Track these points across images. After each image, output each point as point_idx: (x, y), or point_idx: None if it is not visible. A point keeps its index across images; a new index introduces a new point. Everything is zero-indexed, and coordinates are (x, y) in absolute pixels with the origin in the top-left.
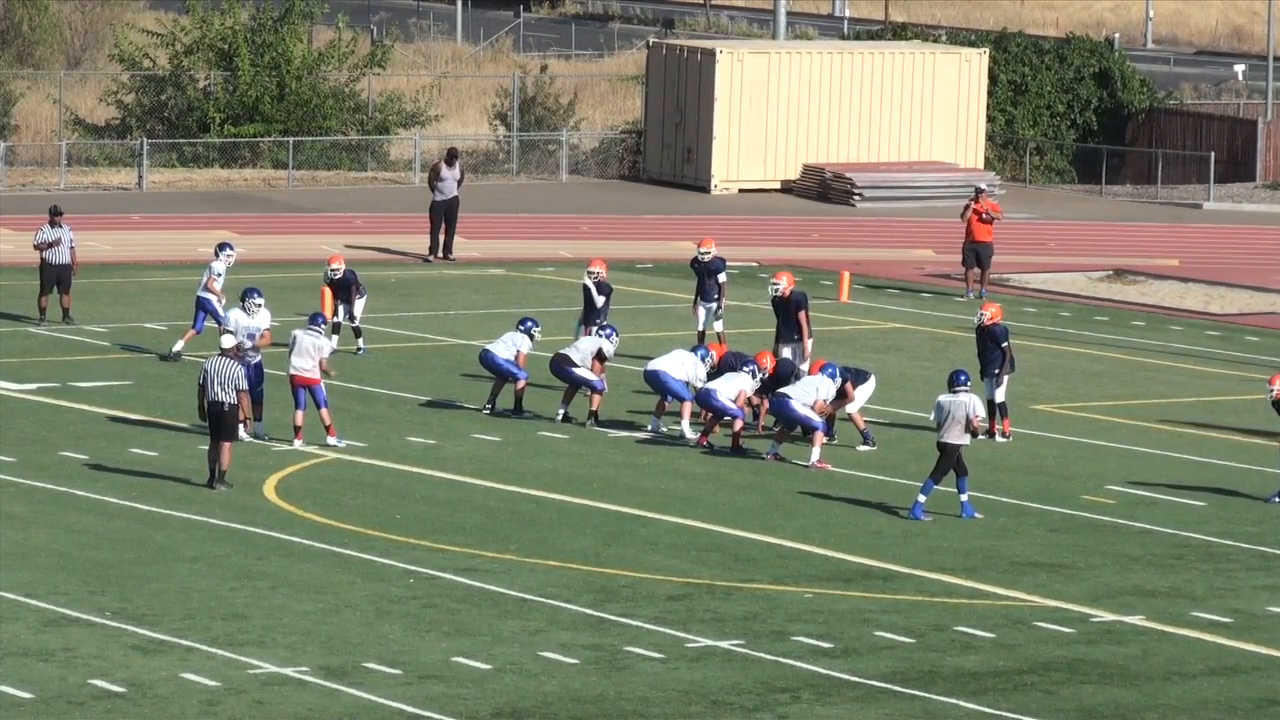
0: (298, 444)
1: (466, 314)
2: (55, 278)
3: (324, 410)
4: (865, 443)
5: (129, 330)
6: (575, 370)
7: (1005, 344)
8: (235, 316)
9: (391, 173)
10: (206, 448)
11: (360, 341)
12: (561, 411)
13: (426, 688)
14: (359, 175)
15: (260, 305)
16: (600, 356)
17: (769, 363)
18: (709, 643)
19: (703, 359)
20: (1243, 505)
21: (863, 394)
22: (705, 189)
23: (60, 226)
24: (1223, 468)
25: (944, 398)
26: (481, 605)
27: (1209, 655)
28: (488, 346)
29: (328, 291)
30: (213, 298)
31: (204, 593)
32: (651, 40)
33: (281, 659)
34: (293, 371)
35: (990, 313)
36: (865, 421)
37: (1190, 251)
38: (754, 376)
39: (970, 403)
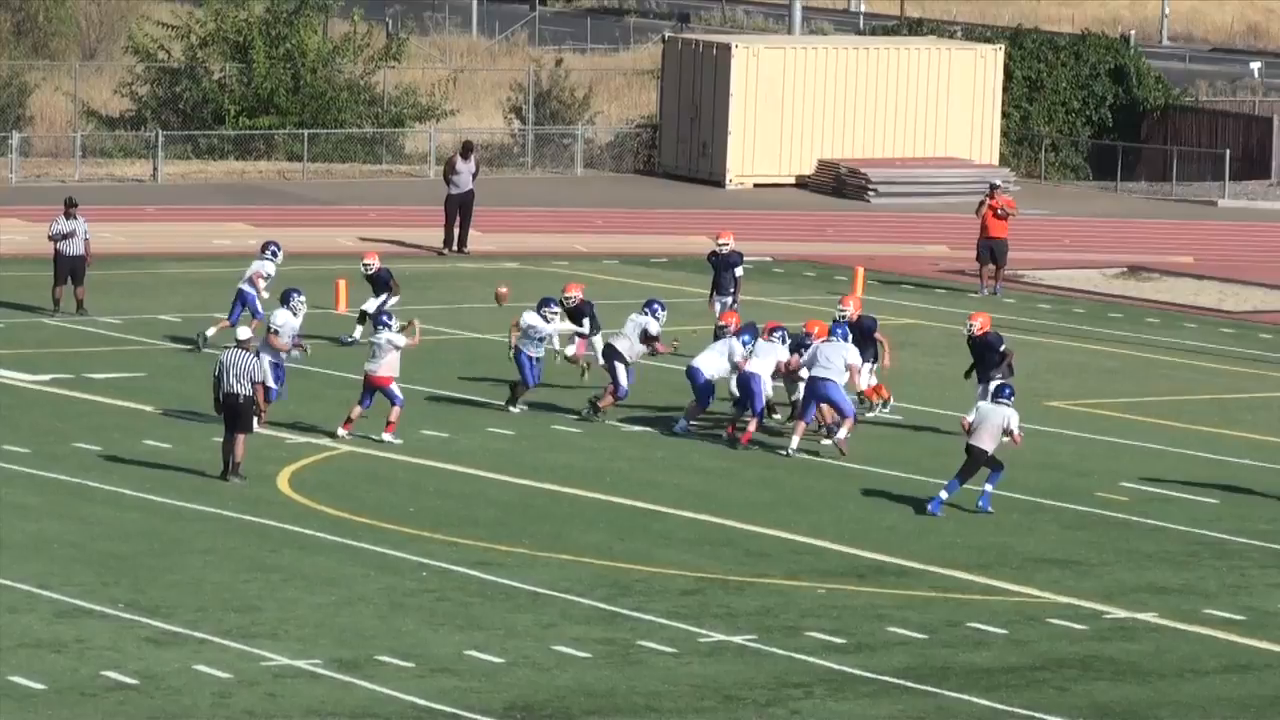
0: (342, 432)
1: (480, 308)
2: (69, 269)
3: (395, 408)
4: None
5: (143, 322)
6: (615, 365)
7: (1003, 349)
8: (282, 316)
9: (406, 166)
10: (220, 440)
11: (358, 332)
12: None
13: (439, 681)
14: (374, 168)
15: (304, 304)
16: (645, 337)
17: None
18: (722, 637)
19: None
20: (1256, 503)
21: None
22: (720, 184)
23: (75, 219)
24: (1236, 465)
25: (984, 405)
26: (495, 599)
27: (1222, 652)
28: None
29: (342, 284)
30: (254, 292)
31: (217, 585)
32: (667, 35)
33: (294, 651)
34: (366, 371)
35: (979, 323)
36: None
37: (1204, 249)
38: (783, 341)
39: (1009, 416)
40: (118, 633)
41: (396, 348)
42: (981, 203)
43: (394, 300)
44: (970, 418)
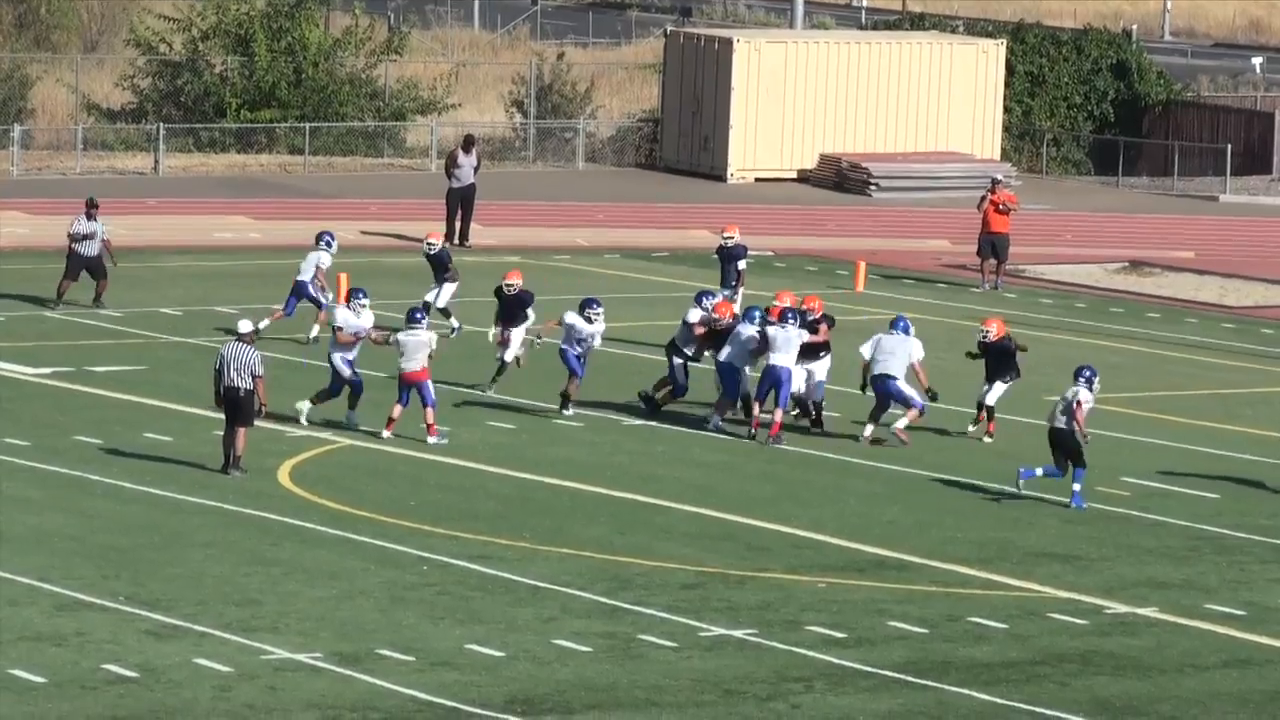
0: (386, 434)
1: (482, 301)
2: (83, 267)
3: (429, 409)
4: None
5: (144, 315)
6: (675, 361)
7: (1015, 354)
8: (341, 315)
9: (408, 159)
10: (221, 433)
11: (453, 320)
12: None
13: (439, 675)
14: (375, 161)
15: (366, 305)
16: (693, 323)
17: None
18: (722, 631)
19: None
20: (1257, 498)
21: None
22: (721, 178)
23: (95, 220)
24: (1237, 460)
25: (1068, 393)
26: (495, 593)
27: (1222, 647)
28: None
29: (344, 278)
30: (313, 285)
31: (217, 578)
32: (669, 29)
33: (295, 645)
34: (403, 370)
35: (994, 329)
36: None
37: (1206, 244)
38: (798, 324)
39: (1075, 392)
40: (118, 626)
41: (412, 351)
42: (983, 197)
43: (453, 288)
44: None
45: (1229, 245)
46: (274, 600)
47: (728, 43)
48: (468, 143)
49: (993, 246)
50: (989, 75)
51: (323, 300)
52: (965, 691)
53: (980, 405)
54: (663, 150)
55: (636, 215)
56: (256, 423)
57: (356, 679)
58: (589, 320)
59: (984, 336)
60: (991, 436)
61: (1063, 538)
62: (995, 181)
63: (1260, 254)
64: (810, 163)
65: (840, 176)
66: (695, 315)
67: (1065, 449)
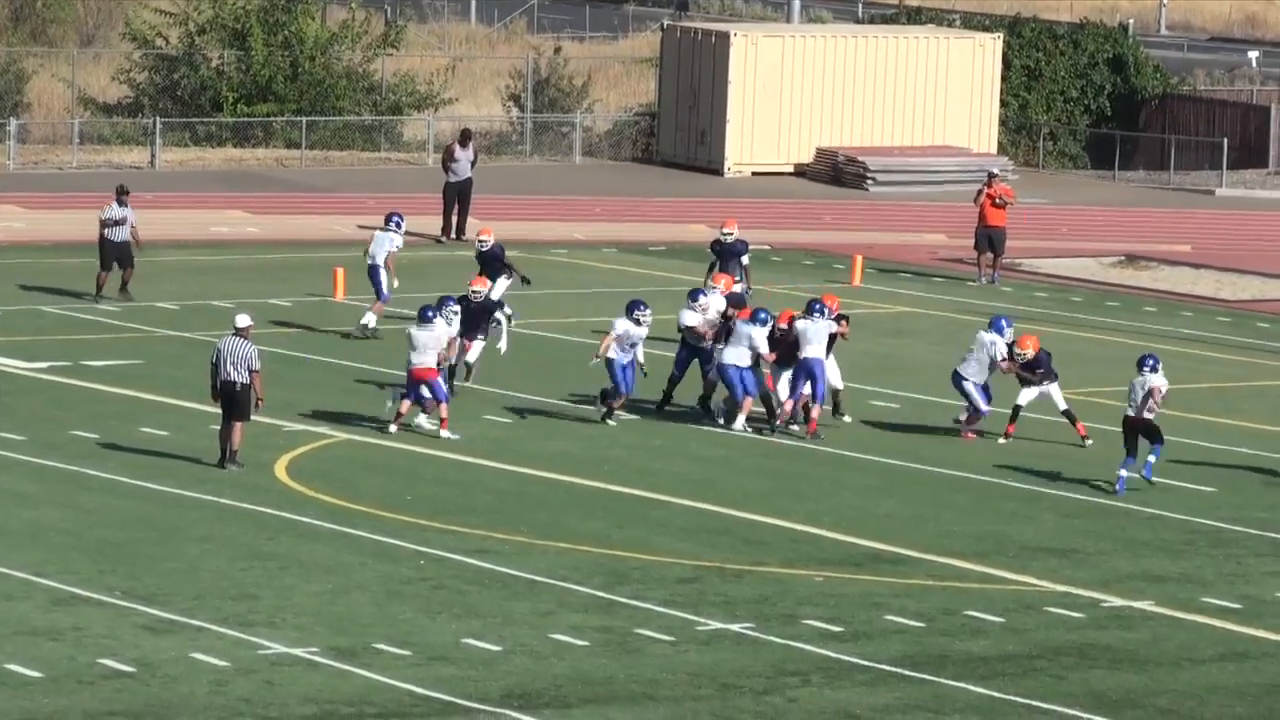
0: (393, 429)
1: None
2: (117, 255)
3: (443, 405)
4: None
5: (141, 309)
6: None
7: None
8: (440, 327)
9: (405, 153)
10: (218, 427)
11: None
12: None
13: (436, 669)
14: (372, 155)
15: (457, 314)
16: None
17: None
18: (719, 625)
19: (764, 323)
20: (1253, 491)
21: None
22: (718, 172)
23: (125, 205)
24: (1233, 453)
25: (1138, 379)
26: (492, 587)
27: (1218, 641)
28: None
29: (340, 272)
30: (385, 270)
31: (214, 573)
32: (666, 23)
33: (291, 639)
34: (413, 365)
35: (1029, 347)
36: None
37: (1202, 237)
38: (766, 324)
39: (1148, 382)
40: (114, 620)
41: (424, 346)
42: (980, 191)
43: (507, 282)
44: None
45: (1225, 239)
46: (270, 595)
47: (725, 37)
48: (464, 137)
49: (989, 240)
50: (985, 69)
51: (385, 290)
52: (962, 685)
53: (1014, 409)
54: (659, 144)
55: (633, 209)
56: (253, 417)
57: (353, 673)
58: (637, 323)
59: (1023, 358)
60: (1009, 438)
61: (1059, 532)
62: (992, 175)
63: (1256, 247)
64: (807, 157)
65: (837, 170)
66: (692, 319)
67: (1144, 433)
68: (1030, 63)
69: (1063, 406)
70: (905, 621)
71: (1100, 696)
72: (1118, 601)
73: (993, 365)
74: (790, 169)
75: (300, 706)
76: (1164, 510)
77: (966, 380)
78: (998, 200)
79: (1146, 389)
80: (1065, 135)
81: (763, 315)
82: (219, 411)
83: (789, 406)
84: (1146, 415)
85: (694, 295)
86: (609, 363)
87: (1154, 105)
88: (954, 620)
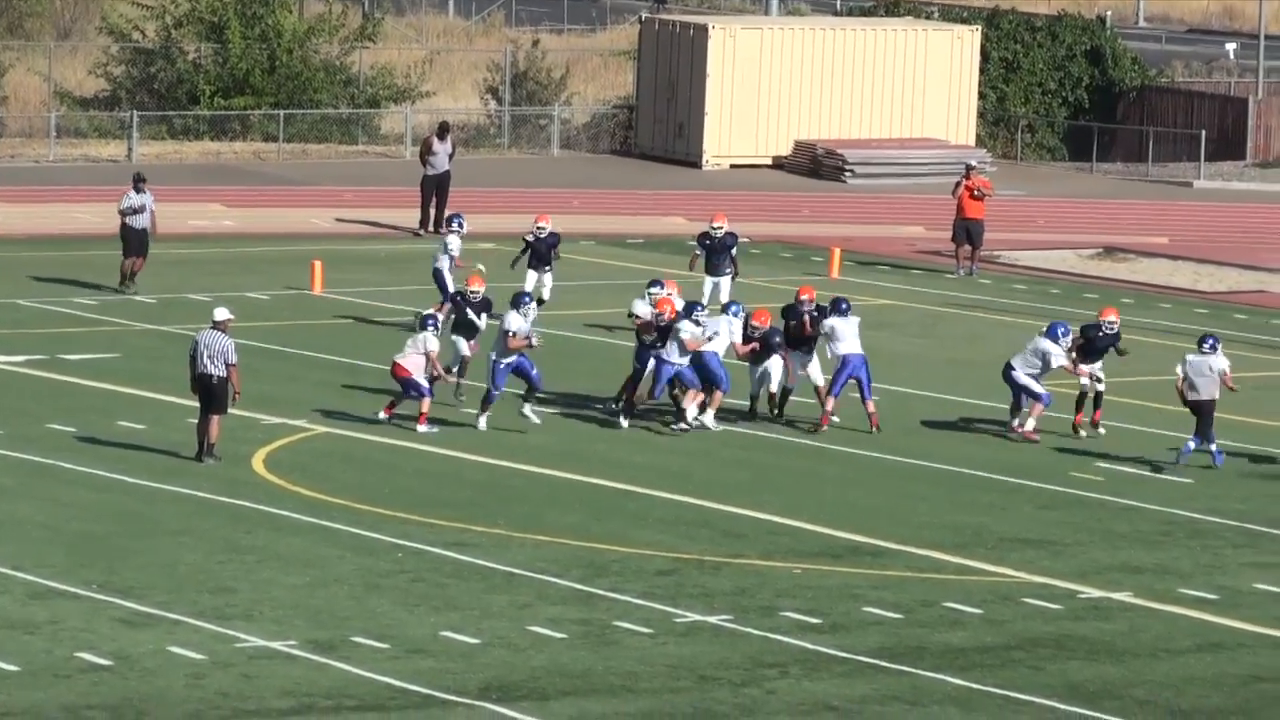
0: (383, 416)
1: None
2: (135, 240)
3: (424, 400)
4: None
5: (118, 303)
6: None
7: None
8: (515, 321)
9: (382, 146)
10: (195, 421)
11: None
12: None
13: (414, 662)
14: (350, 149)
15: (534, 309)
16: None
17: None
18: (697, 618)
19: (735, 315)
20: (1230, 482)
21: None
22: (696, 164)
23: (144, 193)
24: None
25: (1193, 358)
26: (470, 580)
27: (1195, 632)
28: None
29: (318, 265)
30: (450, 273)
31: (191, 566)
32: (644, 15)
33: (269, 632)
34: (393, 360)
35: (1111, 315)
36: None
37: (1180, 229)
38: (738, 316)
39: (1205, 363)
40: (91, 614)
41: (426, 352)
42: (958, 183)
43: (550, 278)
44: (1180, 373)
45: (1203, 231)
46: (248, 588)
47: (703, 29)
48: (442, 130)
49: (967, 232)
50: (964, 61)
51: (447, 293)
52: (940, 676)
53: (1084, 397)
54: (638, 137)
55: (611, 202)
56: (231, 410)
57: (331, 666)
58: (697, 323)
59: (1111, 328)
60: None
61: (1037, 523)
62: (970, 167)
63: (1234, 239)
64: (785, 149)
65: (815, 163)
66: (642, 308)
67: (1207, 415)
68: (1008, 55)
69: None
70: (883, 613)
71: (1077, 687)
72: (1095, 593)
73: (1046, 368)
74: (768, 161)
75: (278, 699)
76: (1141, 502)
77: (1015, 370)
78: (976, 192)
79: (1216, 370)
80: (1043, 127)
81: (735, 309)
82: (197, 405)
83: (830, 404)
84: (1204, 396)
85: (653, 285)
86: (650, 358)
87: (1132, 97)
88: (932, 612)
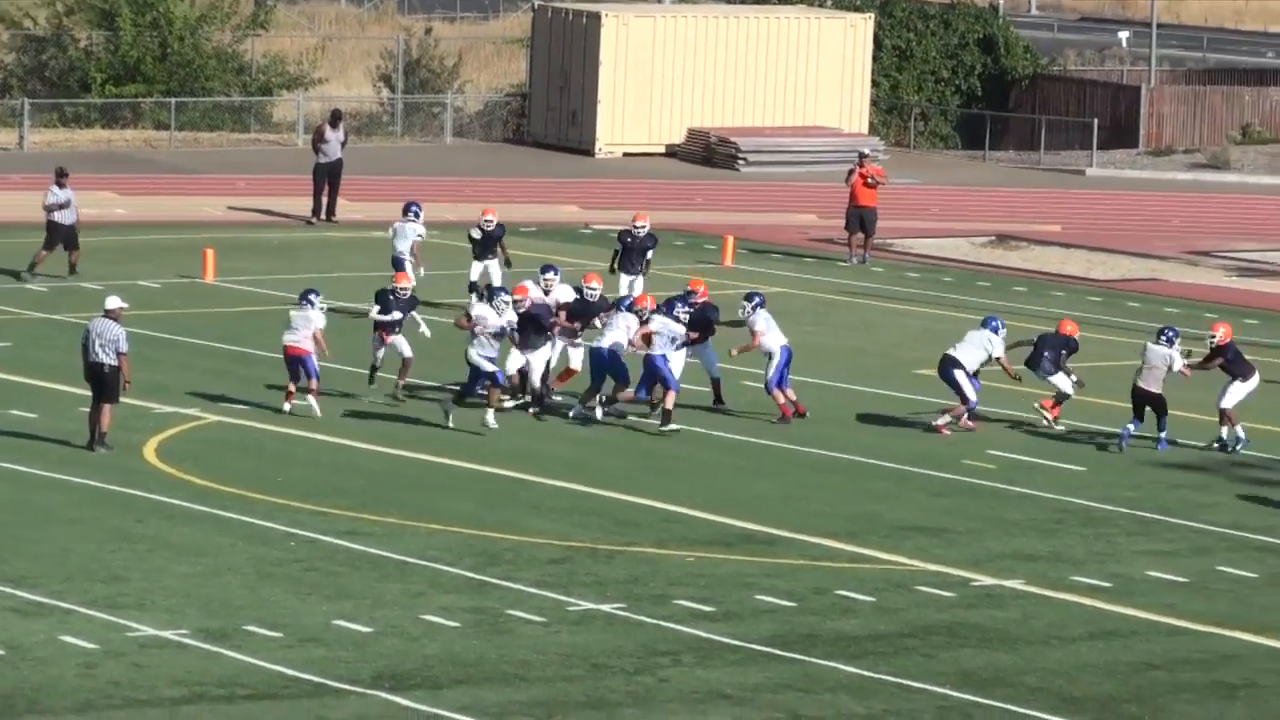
0: (286, 407)
1: (349, 276)
2: (64, 237)
3: (313, 380)
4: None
5: (10, 291)
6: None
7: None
8: (479, 309)
9: (274, 134)
10: (87, 410)
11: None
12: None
13: (307, 650)
14: (242, 137)
15: (508, 304)
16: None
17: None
18: (590, 606)
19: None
20: (1122, 470)
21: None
22: (590, 152)
23: (66, 188)
24: (1105, 433)
25: (1152, 346)
26: (363, 568)
27: (1088, 619)
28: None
29: (210, 253)
30: (410, 261)
31: (83, 555)
32: (537, 3)
33: (161, 622)
34: (285, 343)
35: (1221, 332)
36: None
37: (1073, 217)
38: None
39: (1170, 354)
40: None
41: (298, 325)
42: (851, 171)
43: (500, 274)
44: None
45: (1096, 219)
46: (140, 577)
47: (596, 17)
48: (335, 118)
49: (860, 220)
50: (857, 49)
51: (415, 277)
52: (832, 664)
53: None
54: (531, 125)
55: (504, 190)
56: (122, 399)
57: (223, 655)
58: (679, 321)
59: (1212, 340)
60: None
61: (930, 511)
62: (863, 156)
63: (1127, 227)
64: (678, 137)
65: (708, 151)
66: (533, 292)
67: (1151, 404)
68: (901, 43)
69: (1230, 404)
70: (776, 601)
71: (970, 675)
72: (988, 580)
73: (987, 359)
74: (661, 149)
75: (169, 689)
76: (1034, 489)
77: (962, 368)
78: (869, 180)
79: (1169, 362)
80: (936, 116)
81: (627, 301)
82: (89, 393)
83: (781, 397)
84: (1147, 387)
85: (545, 270)
86: (651, 359)
87: (1024, 85)
88: (825, 599)
